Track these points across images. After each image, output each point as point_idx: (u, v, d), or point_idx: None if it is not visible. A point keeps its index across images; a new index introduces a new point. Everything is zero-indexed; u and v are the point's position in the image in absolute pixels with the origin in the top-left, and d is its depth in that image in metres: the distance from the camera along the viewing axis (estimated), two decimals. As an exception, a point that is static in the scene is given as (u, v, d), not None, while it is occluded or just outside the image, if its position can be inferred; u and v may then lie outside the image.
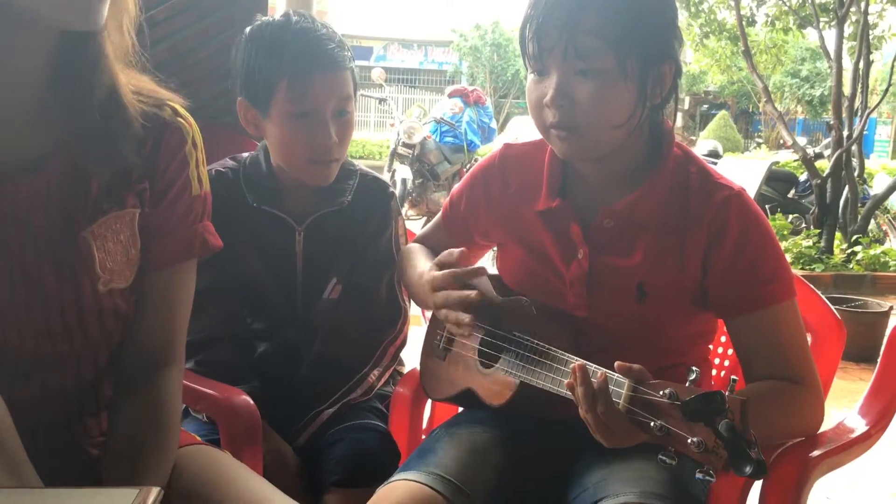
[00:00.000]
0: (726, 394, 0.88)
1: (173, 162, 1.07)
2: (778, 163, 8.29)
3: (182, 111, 1.09)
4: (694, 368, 0.94)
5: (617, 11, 1.14)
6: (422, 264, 1.42)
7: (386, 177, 6.76)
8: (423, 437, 1.57)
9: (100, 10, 0.89)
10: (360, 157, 15.99)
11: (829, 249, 6.50)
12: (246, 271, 1.51)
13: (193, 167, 1.09)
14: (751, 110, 22.78)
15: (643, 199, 1.24)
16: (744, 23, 7.05)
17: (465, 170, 6.66)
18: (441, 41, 24.71)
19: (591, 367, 1.04)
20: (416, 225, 6.66)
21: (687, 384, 0.93)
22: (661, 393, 0.94)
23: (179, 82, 1.47)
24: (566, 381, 1.06)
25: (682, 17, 8.24)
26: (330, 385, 1.49)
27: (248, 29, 1.48)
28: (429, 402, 1.56)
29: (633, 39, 1.14)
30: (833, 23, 6.54)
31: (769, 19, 7.81)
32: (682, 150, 1.29)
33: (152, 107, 1.05)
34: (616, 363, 1.00)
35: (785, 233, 6.86)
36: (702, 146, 9.30)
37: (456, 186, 1.53)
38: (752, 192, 7.12)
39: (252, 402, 1.36)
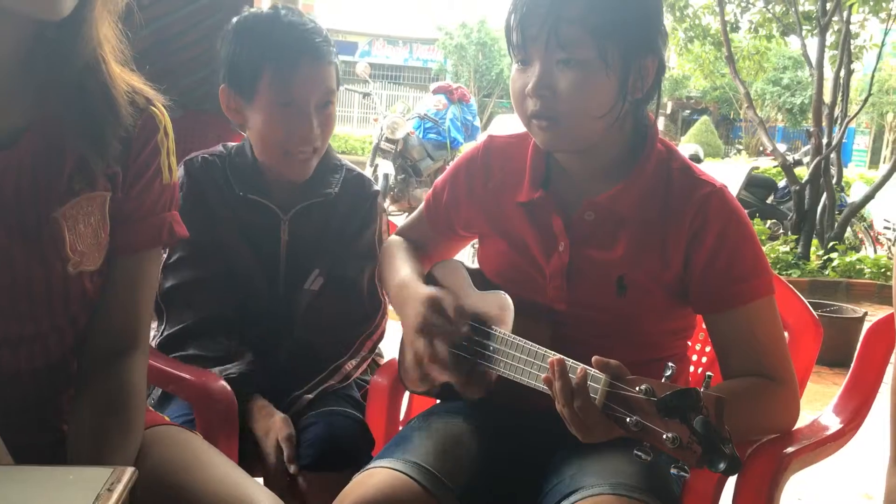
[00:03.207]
0: (702, 390, 0.89)
1: (145, 149, 1.07)
2: (757, 168, 8.36)
3: (155, 100, 1.09)
4: (670, 365, 0.95)
5: (599, 2, 1.14)
6: (403, 269, 1.40)
7: (368, 171, 6.75)
8: (401, 427, 1.57)
9: (62, 0, 0.88)
10: (343, 153, 15.89)
11: (805, 255, 6.57)
12: (231, 257, 1.52)
13: (164, 156, 1.10)
14: (732, 117, 22.97)
15: (625, 193, 1.24)
16: (728, 28, 7.10)
17: (447, 167, 6.66)
18: (426, 38, 24.70)
19: (569, 362, 1.04)
20: (398, 220, 6.65)
21: (663, 380, 0.93)
22: (637, 389, 0.94)
23: (164, 67, 1.47)
24: (543, 376, 1.06)
25: (668, 21, 8.29)
26: (307, 372, 1.49)
27: (235, 19, 1.50)
28: (406, 392, 1.56)
29: (615, 30, 1.14)
30: (816, 31, 6.60)
31: (753, 26, 7.88)
32: (664, 145, 1.30)
33: (128, 94, 1.05)
34: (594, 358, 1.00)
35: (763, 238, 6.92)
36: (683, 150, 9.34)
37: (439, 178, 1.52)
38: (731, 197, 7.20)
39: (229, 387, 1.35)
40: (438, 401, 1.47)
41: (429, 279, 1.40)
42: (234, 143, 1.60)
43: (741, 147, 19.59)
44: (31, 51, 0.95)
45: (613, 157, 1.27)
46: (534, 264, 1.30)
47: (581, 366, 1.02)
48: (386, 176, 6.37)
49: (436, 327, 1.23)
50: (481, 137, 5.43)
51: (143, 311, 1.12)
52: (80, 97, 0.98)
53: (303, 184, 1.54)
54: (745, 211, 1.29)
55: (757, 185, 7.95)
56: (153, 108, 1.09)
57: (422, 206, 1.55)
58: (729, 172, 7.66)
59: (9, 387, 1.01)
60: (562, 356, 1.05)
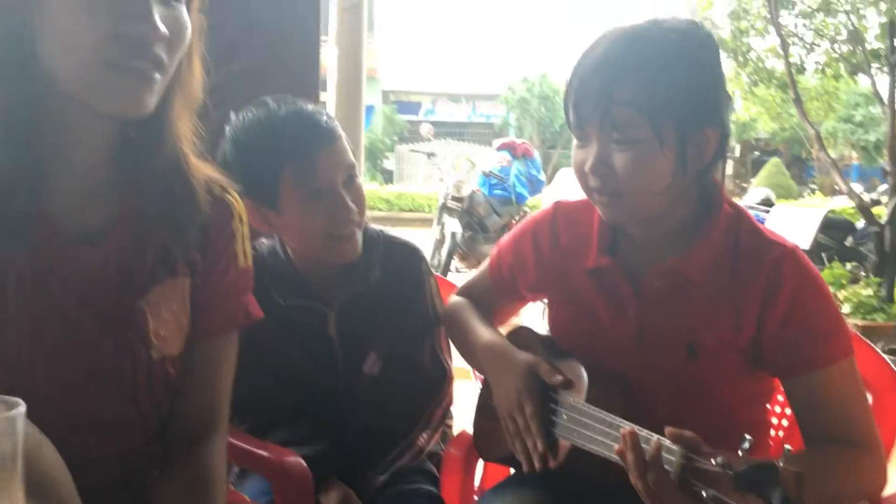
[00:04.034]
0: (780, 464, 0.87)
1: (222, 236, 1.12)
2: (834, 210, 8.13)
3: (229, 188, 1.14)
4: (748, 437, 0.92)
5: (650, 82, 1.14)
6: (485, 332, 1.41)
7: (436, 230, 6.81)
8: (476, 497, 1.56)
9: (144, 100, 0.92)
10: (410, 210, 16.13)
11: (889, 298, 6.31)
12: (284, 361, 1.50)
13: (240, 241, 1.14)
14: (804, 156, 22.43)
15: (693, 258, 1.23)
16: (793, 70, 7.01)
17: (513, 222, 6.68)
18: (488, 94, 24.99)
19: (643, 433, 1.03)
20: (465, 278, 6.66)
21: (740, 453, 0.91)
22: (713, 461, 0.92)
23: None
24: (616, 448, 1.05)
25: (730, 67, 8.23)
26: (379, 451, 1.48)
27: (228, 129, 1.42)
28: (480, 462, 1.56)
29: (668, 109, 1.14)
30: (885, 69, 6.46)
31: (819, 66, 7.75)
32: (733, 207, 1.28)
33: (205, 183, 1.09)
34: (667, 429, 0.99)
35: (843, 282, 6.69)
36: (754, 195, 9.19)
37: (504, 239, 1.53)
38: (808, 241, 7.01)
39: (304, 463, 1.37)
40: (513, 470, 1.47)
41: None
42: (264, 243, 1.55)
43: (815, 187, 19.09)
44: (117, 149, 1.01)
45: (680, 223, 1.26)
46: (603, 330, 1.30)
47: (655, 437, 1.01)
48: (453, 234, 6.40)
49: (534, 394, 1.23)
50: (547, 191, 5.43)
51: (223, 394, 1.15)
52: (163, 191, 1.03)
53: (345, 271, 1.49)
54: (824, 254, 1.26)
55: (834, 227, 7.72)
56: (228, 195, 1.14)
57: (485, 265, 1.55)
58: (804, 215, 7.46)
59: (94, 471, 1.02)
60: (634, 427, 1.04)
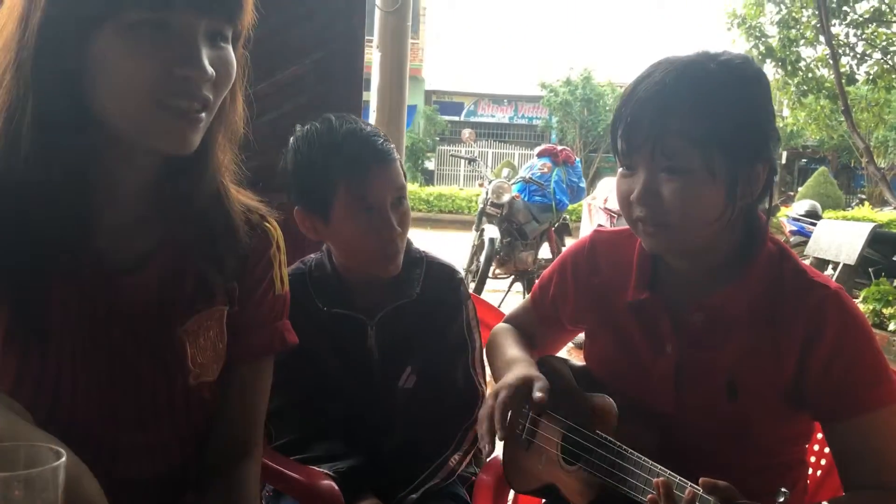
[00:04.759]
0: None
1: (259, 264, 1.14)
2: (882, 224, 7.95)
3: (268, 216, 1.16)
4: (783, 490, 0.91)
5: (703, 114, 1.13)
6: (511, 350, 1.43)
7: (474, 236, 6.80)
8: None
9: (191, 138, 0.95)
10: (450, 212, 16.16)
11: (938, 316, 6.16)
12: (323, 370, 1.53)
13: (277, 269, 1.16)
14: (853, 165, 22.02)
15: (735, 295, 1.22)
16: (843, 81, 6.87)
17: (553, 229, 6.64)
18: (531, 96, 24.94)
19: (677, 480, 1.01)
20: (503, 284, 6.65)
21: (777, 507, 0.90)
22: (749, 515, 0.91)
23: (282, 153, 1.54)
24: (649, 497, 1.04)
25: (778, 76, 8.09)
26: (411, 470, 1.49)
27: (292, 139, 1.51)
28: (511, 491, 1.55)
29: (721, 141, 1.13)
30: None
31: (870, 77, 7.59)
32: (776, 245, 1.26)
33: (243, 213, 1.11)
34: (701, 480, 0.97)
35: (890, 298, 6.54)
36: (799, 206, 9.02)
37: (545, 270, 1.53)
38: (854, 256, 6.86)
39: (336, 487, 1.37)
40: (543, 501, 1.46)
41: None
42: (312, 257, 1.61)
43: (863, 197, 18.69)
44: (160, 183, 1.03)
45: (723, 258, 1.24)
46: (641, 365, 1.29)
47: (689, 487, 0.99)
48: (492, 241, 6.37)
49: (515, 392, 1.26)
50: (586, 200, 5.36)
51: (258, 418, 1.17)
52: (203, 223, 1.05)
53: (386, 287, 1.54)
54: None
55: (882, 241, 7.54)
56: (266, 223, 1.15)
57: (528, 296, 1.56)
58: (850, 230, 7.28)
59: (131, 493, 1.05)
60: (668, 478, 1.03)
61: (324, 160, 1.45)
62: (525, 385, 1.27)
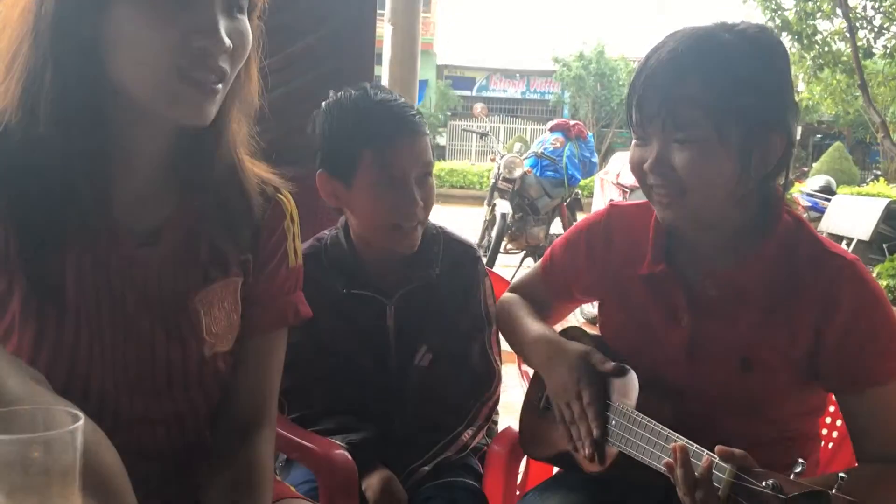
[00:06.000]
0: (833, 492, 0.85)
1: (274, 236, 1.14)
2: (897, 200, 7.87)
3: (282, 188, 1.16)
4: (801, 461, 0.91)
5: (716, 81, 1.12)
6: (536, 326, 1.43)
7: (486, 210, 6.79)
8: (518, 493, 1.57)
9: (208, 110, 0.94)
10: (462, 187, 16.12)
11: (953, 292, 6.13)
12: (339, 349, 1.53)
13: (291, 241, 1.16)
14: (868, 140, 21.76)
15: (750, 268, 1.21)
16: (860, 54, 6.79)
17: (565, 204, 6.61)
18: (543, 71, 24.73)
19: (693, 448, 1.02)
20: (514, 259, 6.65)
21: (792, 476, 0.90)
22: (764, 483, 0.91)
23: (295, 126, 1.54)
24: (665, 461, 1.04)
25: (794, 49, 7.99)
26: (425, 443, 1.50)
27: (325, 103, 1.51)
28: (524, 458, 1.56)
29: (735, 110, 1.12)
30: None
31: (888, 50, 7.49)
32: (793, 217, 1.26)
33: (258, 184, 1.11)
34: (717, 448, 0.98)
35: (905, 274, 6.51)
36: (814, 182, 8.93)
37: (558, 239, 1.53)
38: (868, 231, 6.80)
39: (350, 456, 1.39)
40: (556, 469, 1.47)
41: None
42: (327, 233, 1.60)
43: (879, 173, 18.50)
44: (175, 154, 1.03)
45: (738, 231, 1.24)
46: (654, 337, 1.29)
47: (706, 454, 1.00)
48: (503, 216, 6.35)
49: (591, 382, 1.24)
50: (598, 175, 5.32)
51: (272, 389, 1.17)
52: (218, 193, 1.05)
53: (405, 265, 1.54)
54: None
55: (897, 217, 7.48)
56: (280, 195, 1.15)
57: (538, 264, 1.56)
58: (865, 205, 7.22)
59: (147, 463, 1.06)
60: (685, 444, 1.03)
61: (353, 126, 1.45)
62: (588, 366, 1.27)
